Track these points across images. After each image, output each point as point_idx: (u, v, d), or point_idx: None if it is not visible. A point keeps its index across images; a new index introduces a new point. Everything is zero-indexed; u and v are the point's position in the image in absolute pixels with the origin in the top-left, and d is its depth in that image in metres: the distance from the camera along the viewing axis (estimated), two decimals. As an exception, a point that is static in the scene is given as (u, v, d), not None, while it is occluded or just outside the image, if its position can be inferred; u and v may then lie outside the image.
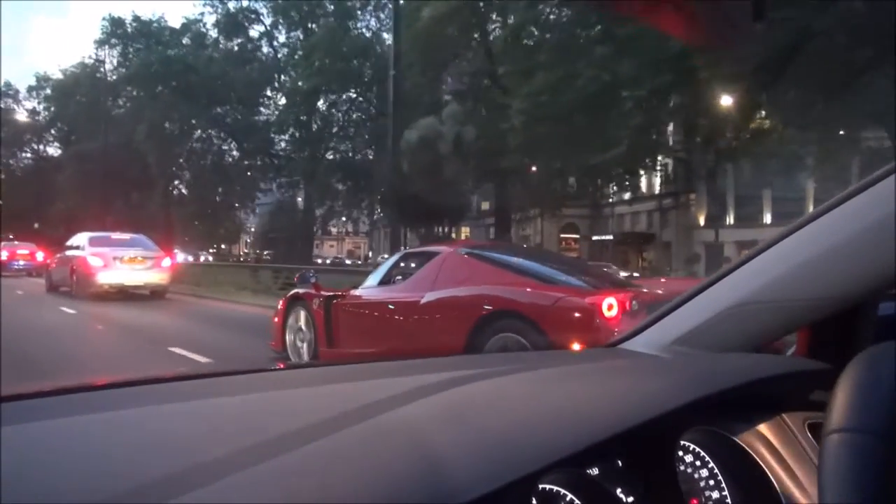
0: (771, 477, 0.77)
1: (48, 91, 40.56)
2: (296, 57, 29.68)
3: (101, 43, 35.58)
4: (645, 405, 0.66)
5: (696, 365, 0.89)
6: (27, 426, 0.57)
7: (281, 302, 5.89)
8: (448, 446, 0.54)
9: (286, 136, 32.43)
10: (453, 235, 23.89)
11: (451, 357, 1.13)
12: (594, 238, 32.70)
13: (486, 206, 32.64)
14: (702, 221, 26.83)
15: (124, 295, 12.19)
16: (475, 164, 19.21)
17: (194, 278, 17.33)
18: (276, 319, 5.80)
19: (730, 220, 26.67)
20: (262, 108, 33.89)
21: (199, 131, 33.33)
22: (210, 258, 44.00)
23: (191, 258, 45.89)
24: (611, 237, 31.15)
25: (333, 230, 58.43)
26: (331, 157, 30.66)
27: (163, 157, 32.21)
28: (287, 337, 5.61)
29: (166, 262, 12.94)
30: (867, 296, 0.90)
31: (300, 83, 27.69)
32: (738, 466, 0.77)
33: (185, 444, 0.56)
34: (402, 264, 5.25)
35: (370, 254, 53.72)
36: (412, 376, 0.80)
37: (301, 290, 5.60)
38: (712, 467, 0.77)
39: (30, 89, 41.40)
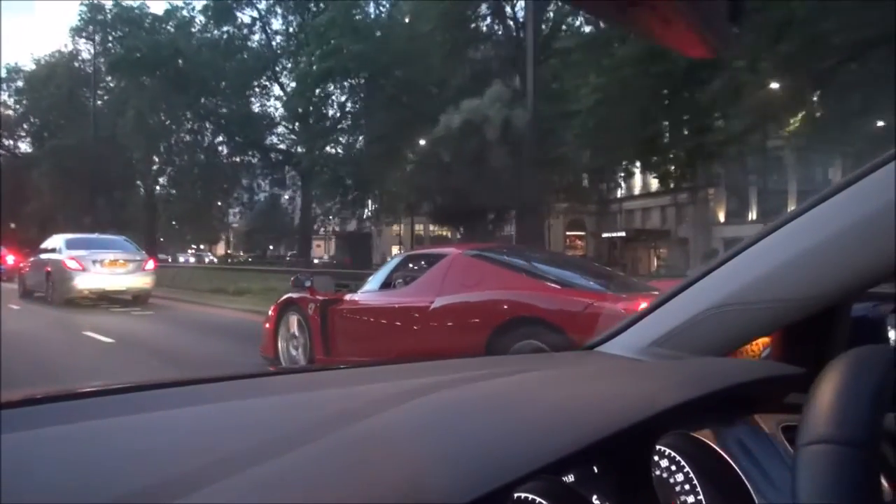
0: (746, 480, 0.79)
1: (19, 83, 40.49)
2: (301, 37, 29.19)
3: (77, 31, 35.64)
4: (626, 411, 0.68)
5: (675, 369, 0.92)
6: (21, 435, 0.59)
7: (272, 307, 5.93)
8: (426, 454, 0.57)
9: (289, 127, 31.93)
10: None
11: (431, 362, 1.17)
12: (603, 235, 32.72)
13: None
14: (722, 217, 26.82)
15: (105, 300, 12.21)
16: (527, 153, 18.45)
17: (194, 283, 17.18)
18: (267, 325, 5.84)
19: (752, 215, 26.66)
20: (254, 99, 33.56)
21: (188, 124, 32.87)
22: (211, 259, 44.07)
23: (192, 259, 45.88)
24: (622, 234, 31.15)
25: (320, 230, 58.26)
26: (331, 150, 29.59)
27: (148, 151, 31.85)
28: (280, 344, 5.65)
29: (149, 265, 12.95)
30: (843, 297, 0.94)
31: (314, 66, 25.65)
32: (713, 470, 0.80)
33: (169, 452, 0.58)
34: (404, 267, 5.29)
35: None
36: (392, 381, 0.84)
37: (295, 295, 5.64)
38: (688, 471, 0.79)
39: (-1, 81, 41.37)
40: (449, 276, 4.57)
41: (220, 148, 34.26)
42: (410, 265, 5.32)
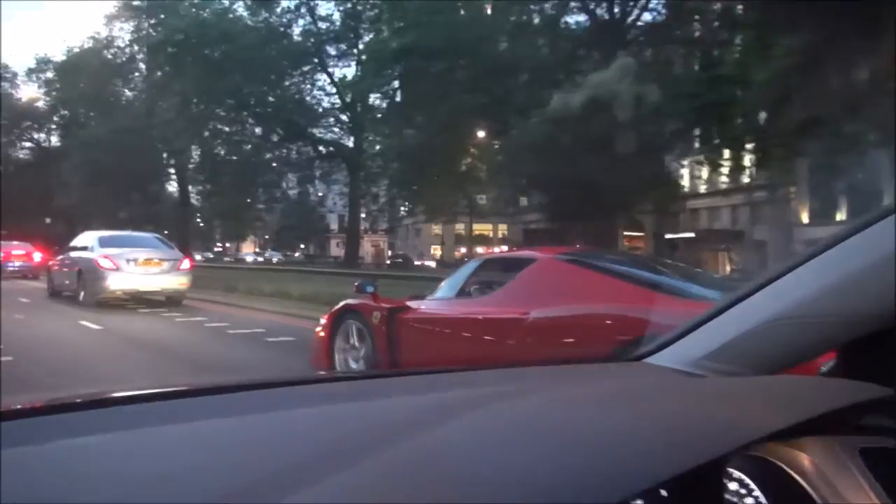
0: None
1: (49, 75, 41.41)
2: (349, 23, 28.63)
3: (112, 18, 36.40)
4: (730, 435, 0.69)
5: (768, 390, 0.91)
6: (66, 442, 0.61)
7: (326, 316, 5.70)
8: (512, 470, 0.58)
9: (338, 117, 31.39)
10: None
11: (490, 370, 1.22)
12: (667, 236, 31.86)
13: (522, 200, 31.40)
14: (805, 218, 25.90)
15: (135, 301, 12.20)
16: (671, 133, 16.92)
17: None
18: (321, 334, 5.60)
19: (841, 215, 25.68)
20: (304, 87, 33.27)
21: (230, 113, 32.71)
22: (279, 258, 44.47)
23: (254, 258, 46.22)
24: (691, 235, 30.27)
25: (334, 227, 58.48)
26: (386, 140, 28.07)
27: (187, 141, 31.81)
28: (336, 355, 5.43)
29: (185, 264, 12.93)
30: None
31: (392, 42, 23.73)
32: (787, 496, 0.80)
33: (232, 461, 0.60)
34: (482, 273, 5.00)
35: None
36: (466, 389, 0.89)
37: (354, 302, 5.40)
38: (758, 496, 0.80)
39: (29, 72, 42.44)
40: (541, 284, 4.27)
41: (263, 139, 33.96)
42: (489, 271, 5.03)
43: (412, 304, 5.09)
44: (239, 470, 0.57)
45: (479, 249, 50.73)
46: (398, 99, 25.68)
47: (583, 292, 4.02)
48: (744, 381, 0.96)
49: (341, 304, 5.58)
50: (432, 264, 41.76)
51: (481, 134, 24.40)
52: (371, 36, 28.51)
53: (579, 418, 0.74)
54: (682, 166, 20.77)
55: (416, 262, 43.93)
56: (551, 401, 0.82)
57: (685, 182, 29.17)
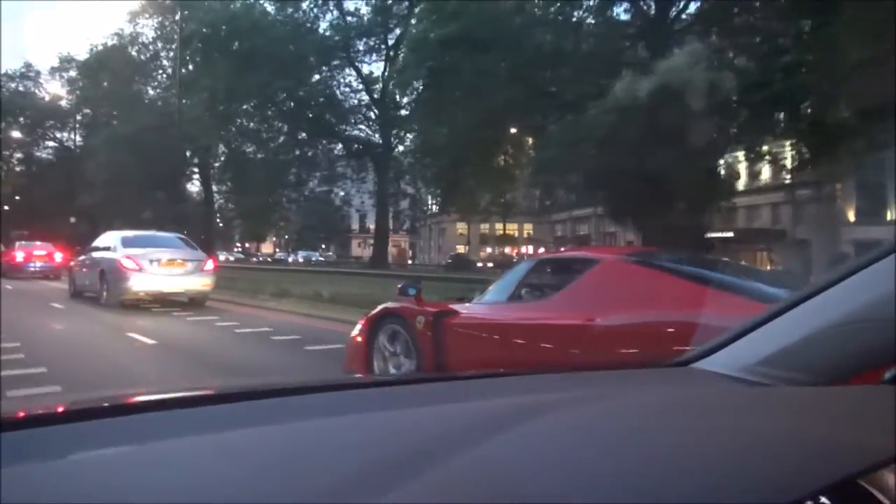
0: None
1: (72, 73, 41.75)
2: (377, 18, 28.00)
3: (135, 15, 36.61)
4: (843, 456, 0.65)
5: (862, 402, 0.87)
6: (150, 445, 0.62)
7: (363, 320, 5.45)
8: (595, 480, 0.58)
9: (366, 114, 30.85)
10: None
11: (543, 374, 1.27)
12: (706, 235, 31.24)
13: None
14: (852, 216, 25.19)
15: (157, 303, 12.12)
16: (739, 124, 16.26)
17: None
18: (358, 339, 5.34)
19: (892, 214, 24.95)
20: (334, 82, 33.04)
21: (259, 112, 32.65)
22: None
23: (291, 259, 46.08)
24: (730, 234, 29.62)
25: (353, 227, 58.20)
26: (415, 136, 27.51)
27: (215, 138, 31.67)
28: (375, 363, 5.17)
29: (209, 265, 12.84)
30: None
31: (432, 33, 22.36)
32: None
33: (276, 471, 0.59)
34: (535, 275, 4.71)
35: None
36: (526, 395, 0.88)
37: (394, 305, 5.14)
38: None
39: (52, 71, 42.93)
40: (608, 287, 3.96)
41: (290, 136, 33.79)
42: (544, 273, 4.76)
43: (459, 307, 4.81)
44: (277, 484, 0.55)
45: (506, 249, 50.49)
46: (435, 93, 24.76)
47: (655, 296, 3.72)
48: (825, 392, 0.91)
49: (380, 307, 5.32)
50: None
51: (521, 129, 23.86)
52: (400, 30, 28.09)
53: (639, 430, 0.73)
54: (733, 161, 19.95)
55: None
56: (610, 409, 0.81)
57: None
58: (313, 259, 49.35)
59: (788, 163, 19.86)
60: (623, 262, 4.15)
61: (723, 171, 19.72)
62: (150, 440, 0.63)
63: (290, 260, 48.14)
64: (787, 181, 26.36)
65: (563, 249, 25.90)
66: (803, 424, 0.77)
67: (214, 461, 0.60)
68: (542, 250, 40.44)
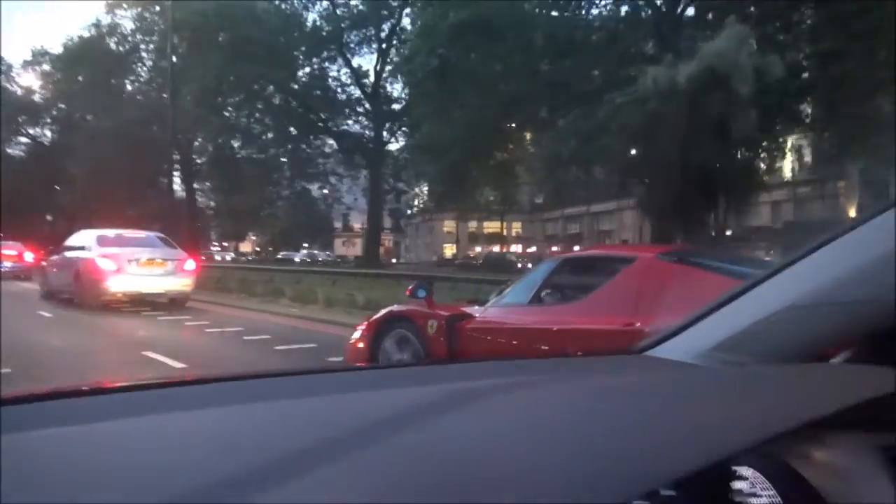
0: None
1: (46, 67, 40.91)
2: (364, 10, 27.46)
3: (112, 6, 35.87)
4: (743, 431, 0.67)
5: (785, 380, 0.89)
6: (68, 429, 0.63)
7: (365, 323, 5.11)
8: (521, 466, 0.59)
9: (359, 109, 30.36)
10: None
11: (486, 362, 1.36)
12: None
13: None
14: (853, 214, 25.06)
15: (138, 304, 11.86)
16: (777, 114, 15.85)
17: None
18: (359, 345, 4.98)
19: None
20: (327, 75, 32.55)
21: (247, 106, 32.10)
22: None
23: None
24: (728, 233, 29.38)
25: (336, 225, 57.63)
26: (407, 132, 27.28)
27: (202, 134, 30.90)
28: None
29: (189, 264, 12.46)
30: None
31: (448, 16, 21.08)
32: (800, 494, 0.79)
33: (228, 448, 0.61)
34: (561, 275, 4.39)
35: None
36: (475, 381, 0.87)
37: (401, 308, 4.81)
38: (773, 494, 0.79)
39: (25, 64, 42.01)
40: (646, 289, 3.61)
41: (281, 132, 33.21)
42: (570, 273, 4.44)
43: (474, 311, 4.45)
44: (225, 460, 0.57)
45: (496, 248, 50.12)
46: (443, 83, 23.64)
47: (699, 298, 3.35)
48: (757, 371, 0.95)
49: (385, 310, 4.99)
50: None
51: (531, 122, 23.27)
52: (393, 22, 27.53)
53: (580, 414, 0.74)
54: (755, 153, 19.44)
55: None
56: (552, 395, 0.82)
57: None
58: (320, 258, 49.08)
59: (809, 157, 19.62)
60: (661, 261, 3.82)
61: (762, 164, 19.23)
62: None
63: (297, 259, 47.35)
64: (790, 179, 26.30)
65: (576, 248, 25.46)
66: (707, 403, 0.77)
67: (162, 439, 0.63)
68: (554, 249, 39.76)
